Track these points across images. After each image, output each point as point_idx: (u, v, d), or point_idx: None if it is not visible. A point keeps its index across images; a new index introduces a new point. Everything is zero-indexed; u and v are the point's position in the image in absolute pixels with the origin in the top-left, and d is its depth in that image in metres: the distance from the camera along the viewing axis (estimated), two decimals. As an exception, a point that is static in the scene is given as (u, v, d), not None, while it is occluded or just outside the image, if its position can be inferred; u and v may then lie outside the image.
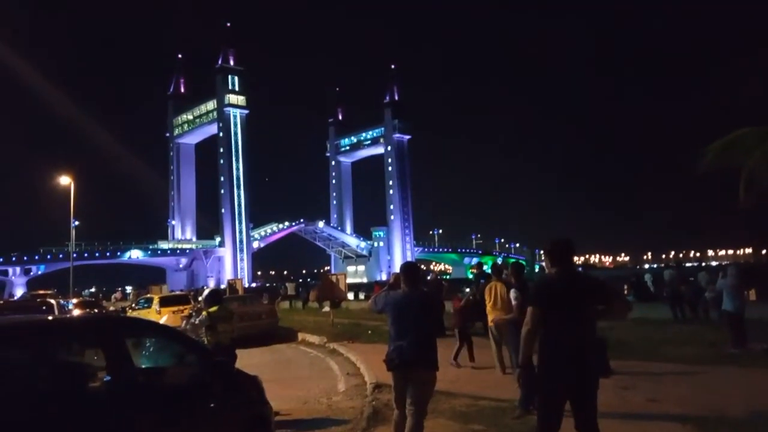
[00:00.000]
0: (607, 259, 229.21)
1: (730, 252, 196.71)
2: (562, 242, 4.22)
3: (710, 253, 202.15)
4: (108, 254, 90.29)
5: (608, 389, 6.86)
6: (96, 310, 23.21)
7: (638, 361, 9.45)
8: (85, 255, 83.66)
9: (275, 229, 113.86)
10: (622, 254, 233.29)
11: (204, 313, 7.72)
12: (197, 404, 4.73)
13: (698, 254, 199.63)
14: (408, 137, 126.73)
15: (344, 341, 14.64)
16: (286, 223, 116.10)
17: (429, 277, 23.01)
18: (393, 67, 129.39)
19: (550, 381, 3.90)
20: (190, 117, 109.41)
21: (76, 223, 45.03)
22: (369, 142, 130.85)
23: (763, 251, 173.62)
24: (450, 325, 11.78)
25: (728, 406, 6.47)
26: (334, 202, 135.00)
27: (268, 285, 76.48)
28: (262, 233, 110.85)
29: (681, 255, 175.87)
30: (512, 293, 7.53)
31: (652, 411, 6.62)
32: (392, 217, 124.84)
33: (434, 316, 5.57)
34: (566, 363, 3.84)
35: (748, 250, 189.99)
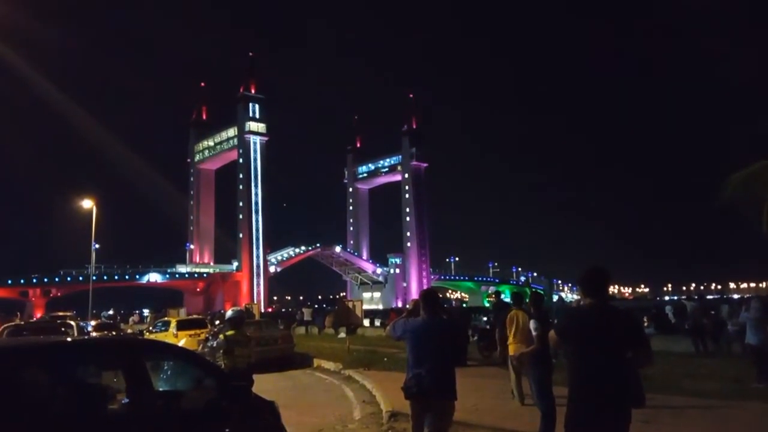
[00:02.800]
0: (627, 290, 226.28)
1: (752, 284, 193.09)
2: (596, 272, 3.86)
3: (732, 285, 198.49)
4: (127, 277, 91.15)
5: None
6: (113, 333, 23.38)
7: (659, 394, 9.25)
8: (104, 278, 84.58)
9: (292, 253, 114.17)
10: (642, 285, 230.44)
11: (221, 336, 7.68)
12: (214, 428, 4.72)
13: (719, 286, 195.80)
14: (425, 165, 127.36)
15: (360, 368, 14.56)
16: (303, 248, 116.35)
17: (453, 305, 22.78)
18: (411, 96, 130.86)
19: (577, 421, 3.62)
20: (211, 143, 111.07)
21: (97, 246, 45.59)
22: (387, 169, 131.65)
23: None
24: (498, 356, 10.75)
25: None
26: (351, 228, 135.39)
27: (284, 310, 76.33)
28: (279, 258, 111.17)
29: (702, 287, 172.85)
30: (532, 324, 7.44)
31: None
32: (408, 244, 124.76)
33: (454, 344, 5.51)
34: (594, 404, 3.56)
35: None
